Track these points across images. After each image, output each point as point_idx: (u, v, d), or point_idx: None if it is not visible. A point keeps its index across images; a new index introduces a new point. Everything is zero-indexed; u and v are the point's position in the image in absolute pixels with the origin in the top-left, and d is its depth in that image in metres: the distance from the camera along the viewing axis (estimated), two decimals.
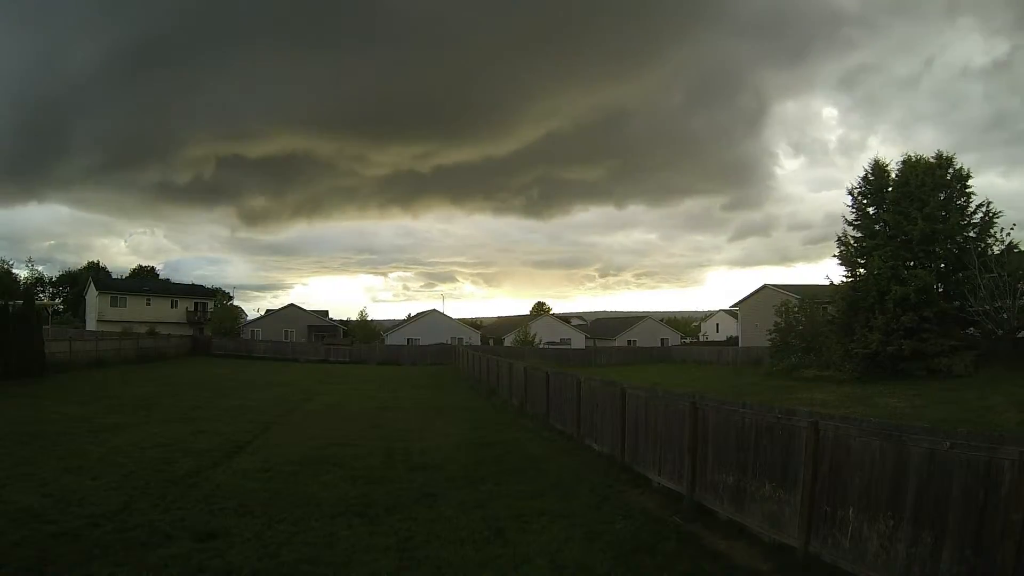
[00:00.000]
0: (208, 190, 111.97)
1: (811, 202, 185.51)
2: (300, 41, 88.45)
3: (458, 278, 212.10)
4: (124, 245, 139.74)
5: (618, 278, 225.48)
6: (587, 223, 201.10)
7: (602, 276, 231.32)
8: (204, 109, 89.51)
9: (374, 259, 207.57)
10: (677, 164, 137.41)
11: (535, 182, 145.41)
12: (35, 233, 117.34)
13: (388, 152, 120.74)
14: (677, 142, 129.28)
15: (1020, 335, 24.39)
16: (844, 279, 29.05)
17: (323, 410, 17.18)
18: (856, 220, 28.80)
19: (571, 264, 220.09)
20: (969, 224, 26.10)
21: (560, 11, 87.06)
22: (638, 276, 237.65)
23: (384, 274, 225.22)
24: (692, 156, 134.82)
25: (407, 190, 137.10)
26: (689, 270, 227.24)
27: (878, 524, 4.94)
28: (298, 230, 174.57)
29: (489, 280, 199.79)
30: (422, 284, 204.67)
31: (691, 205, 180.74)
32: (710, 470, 7.25)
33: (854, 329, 26.47)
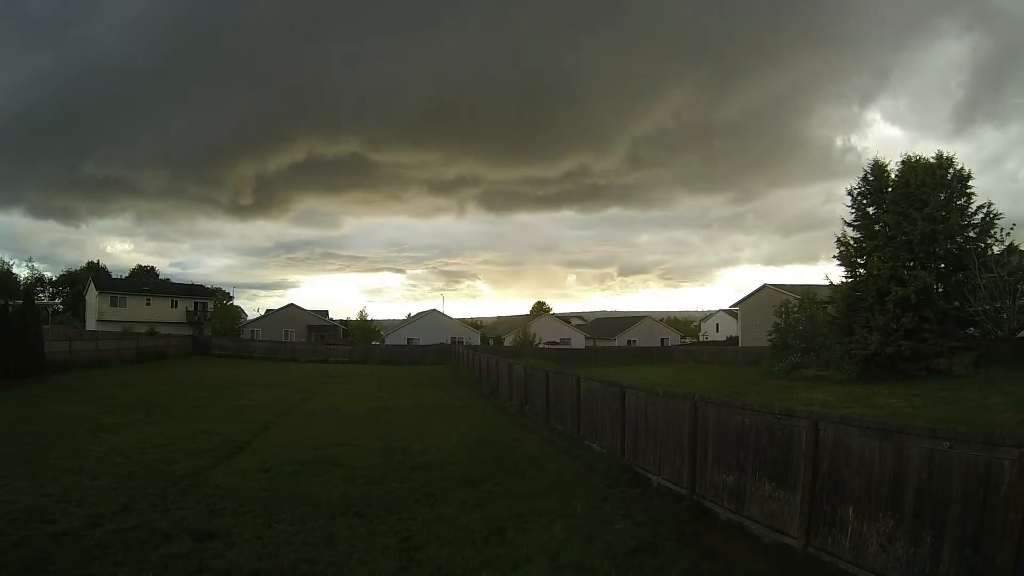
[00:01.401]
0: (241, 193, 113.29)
1: None
2: (364, 42, 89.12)
3: (480, 276, 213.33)
4: (130, 245, 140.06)
5: (641, 276, 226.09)
6: (639, 222, 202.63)
7: (626, 275, 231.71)
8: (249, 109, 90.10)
9: (405, 257, 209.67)
10: (760, 163, 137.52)
11: (602, 180, 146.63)
12: (35, 230, 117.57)
13: (443, 155, 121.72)
14: (764, 141, 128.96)
15: (1020, 335, 24.39)
16: (844, 279, 29.06)
17: (323, 410, 17.18)
18: (856, 221, 28.77)
19: (600, 263, 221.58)
20: (969, 224, 26.07)
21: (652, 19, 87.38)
22: (664, 275, 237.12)
23: (403, 270, 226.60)
24: (776, 154, 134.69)
25: (457, 190, 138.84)
26: (715, 269, 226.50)
27: (878, 524, 4.94)
28: (324, 228, 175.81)
29: (511, 278, 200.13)
30: (443, 283, 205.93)
31: (762, 204, 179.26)
32: (710, 470, 7.26)
33: (854, 329, 26.48)
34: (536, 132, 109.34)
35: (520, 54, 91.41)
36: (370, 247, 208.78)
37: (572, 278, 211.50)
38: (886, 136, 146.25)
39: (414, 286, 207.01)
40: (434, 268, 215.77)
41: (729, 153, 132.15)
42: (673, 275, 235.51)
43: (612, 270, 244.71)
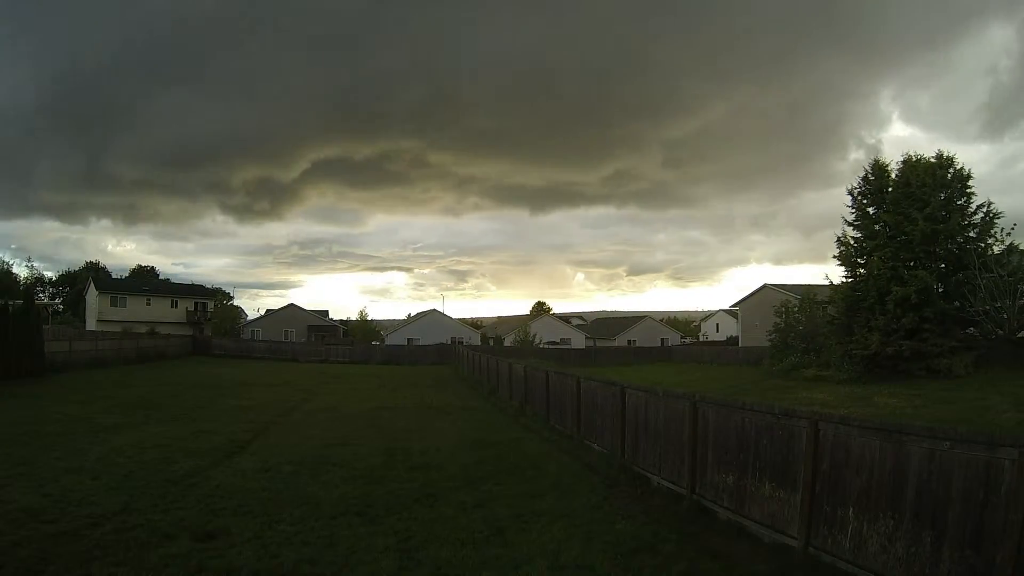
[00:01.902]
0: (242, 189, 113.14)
1: None
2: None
3: (488, 275, 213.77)
4: (132, 244, 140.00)
5: (649, 276, 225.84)
6: (659, 222, 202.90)
7: (635, 275, 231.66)
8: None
9: (420, 256, 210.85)
10: (791, 164, 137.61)
11: (632, 182, 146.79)
12: (36, 230, 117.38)
13: (475, 155, 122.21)
14: (797, 144, 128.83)
15: (1020, 335, 24.38)
16: (844, 279, 29.05)
17: (323, 410, 17.17)
18: (856, 220, 28.77)
19: (612, 263, 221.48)
20: (970, 224, 26.06)
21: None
22: (674, 274, 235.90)
23: (411, 269, 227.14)
24: (807, 157, 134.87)
25: (484, 189, 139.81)
26: (724, 268, 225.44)
27: (878, 524, 4.94)
28: (344, 226, 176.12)
29: (520, 277, 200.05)
30: (452, 282, 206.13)
31: (791, 204, 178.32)
32: (710, 470, 7.26)
33: (854, 330, 26.48)
34: (572, 134, 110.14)
35: (559, 57, 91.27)
36: (387, 246, 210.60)
37: (580, 277, 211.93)
38: (918, 137, 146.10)
39: (421, 285, 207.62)
40: (444, 267, 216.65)
41: (761, 154, 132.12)
42: (683, 275, 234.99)
43: (622, 270, 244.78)
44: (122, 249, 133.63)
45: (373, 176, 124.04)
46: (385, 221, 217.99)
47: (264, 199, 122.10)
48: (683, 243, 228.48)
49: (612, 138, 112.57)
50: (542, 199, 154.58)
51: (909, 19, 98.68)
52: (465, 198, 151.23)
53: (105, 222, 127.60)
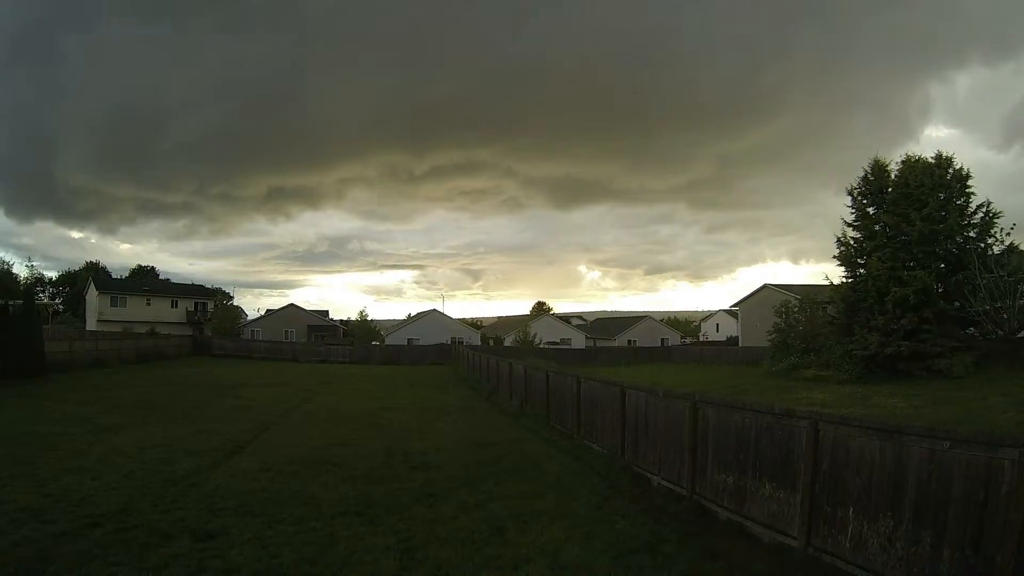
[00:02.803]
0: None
1: None
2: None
3: (501, 274, 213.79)
4: (135, 242, 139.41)
5: (663, 275, 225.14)
6: (685, 223, 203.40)
7: (652, 274, 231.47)
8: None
9: (442, 255, 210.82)
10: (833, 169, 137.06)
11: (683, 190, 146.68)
12: (36, 231, 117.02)
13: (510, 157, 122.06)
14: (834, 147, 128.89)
15: (1020, 335, 24.37)
16: (843, 280, 29.04)
17: (323, 410, 17.18)
18: (855, 221, 28.75)
19: (632, 263, 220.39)
20: (969, 224, 26.04)
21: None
22: (693, 272, 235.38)
23: (422, 267, 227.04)
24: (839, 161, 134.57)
25: (518, 190, 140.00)
26: (741, 267, 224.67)
27: (878, 524, 4.95)
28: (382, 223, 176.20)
29: (533, 276, 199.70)
30: (468, 281, 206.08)
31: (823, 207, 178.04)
32: (710, 470, 7.26)
33: (854, 330, 26.47)
34: (620, 138, 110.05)
35: (601, 59, 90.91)
36: (414, 244, 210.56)
37: (595, 275, 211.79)
38: (965, 139, 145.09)
39: (434, 284, 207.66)
40: (463, 266, 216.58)
41: (807, 155, 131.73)
42: (703, 272, 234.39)
43: (641, 269, 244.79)
44: (127, 247, 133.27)
45: (409, 177, 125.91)
46: (417, 220, 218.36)
47: (287, 198, 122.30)
48: (711, 243, 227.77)
49: (666, 142, 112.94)
50: (578, 198, 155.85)
51: (970, 21, 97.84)
52: (502, 197, 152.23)
53: (120, 224, 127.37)
